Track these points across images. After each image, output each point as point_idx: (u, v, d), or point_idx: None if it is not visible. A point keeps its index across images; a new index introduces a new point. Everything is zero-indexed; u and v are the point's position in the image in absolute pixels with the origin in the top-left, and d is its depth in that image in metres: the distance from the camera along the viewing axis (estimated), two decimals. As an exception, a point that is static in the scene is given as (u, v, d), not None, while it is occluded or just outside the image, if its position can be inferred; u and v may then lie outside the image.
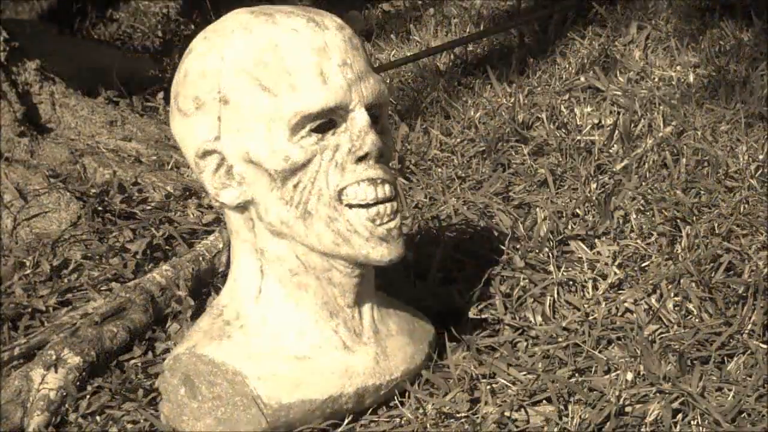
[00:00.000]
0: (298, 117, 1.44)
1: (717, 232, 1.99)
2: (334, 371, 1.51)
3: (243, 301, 1.54)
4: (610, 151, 2.41)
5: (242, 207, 1.50)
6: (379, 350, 1.56)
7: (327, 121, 1.46)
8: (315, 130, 1.45)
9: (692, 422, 1.53)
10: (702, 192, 2.18)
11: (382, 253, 1.49)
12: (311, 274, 1.52)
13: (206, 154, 1.49)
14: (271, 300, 1.53)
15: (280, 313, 1.52)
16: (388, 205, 1.49)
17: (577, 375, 1.66)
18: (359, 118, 1.47)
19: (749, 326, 1.71)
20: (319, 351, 1.52)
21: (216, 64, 1.47)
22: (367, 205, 1.48)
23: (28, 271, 1.91)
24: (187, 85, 1.50)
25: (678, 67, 2.87)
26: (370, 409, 1.58)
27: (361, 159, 1.47)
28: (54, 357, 1.63)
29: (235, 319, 1.54)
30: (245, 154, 1.47)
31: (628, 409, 1.56)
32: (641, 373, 1.63)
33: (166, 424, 1.55)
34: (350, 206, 1.47)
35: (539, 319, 1.79)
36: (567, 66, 2.93)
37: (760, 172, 2.24)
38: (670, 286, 1.82)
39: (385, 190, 1.49)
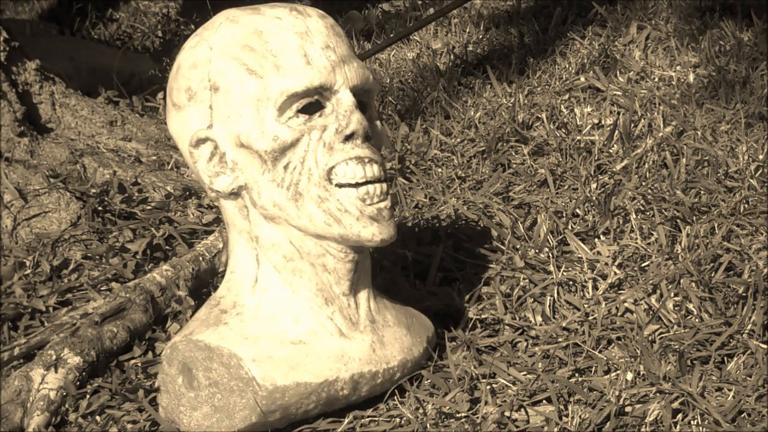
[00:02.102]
0: (284, 96, 1.49)
1: (717, 232, 1.99)
2: (330, 355, 1.52)
3: (240, 291, 1.56)
4: (610, 151, 2.41)
5: (236, 194, 1.54)
6: (376, 339, 1.57)
7: (314, 102, 1.50)
8: (302, 111, 1.50)
9: (692, 422, 1.53)
10: (702, 192, 2.18)
11: (373, 232, 1.52)
12: (305, 260, 1.54)
13: (199, 142, 1.53)
14: (267, 288, 1.55)
15: (276, 300, 1.54)
16: (378, 185, 1.53)
17: (577, 375, 1.66)
18: (345, 98, 1.51)
19: (749, 326, 1.71)
20: (314, 336, 1.53)
21: (205, 54, 1.53)
22: (356, 185, 1.51)
23: (28, 271, 1.91)
24: (179, 78, 1.55)
25: (678, 67, 2.87)
26: (371, 409, 1.58)
27: (348, 138, 1.51)
28: (54, 357, 1.63)
29: (232, 308, 1.56)
30: (236, 138, 1.51)
31: (628, 409, 1.56)
32: (641, 373, 1.63)
33: (165, 416, 1.55)
34: (340, 186, 1.51)
35: (539, 319, 1.79)
36: (567, 66, 2.93)
37: (760, 172, 2.24)
38: (670, 286, 1.82)
39: (374, 169, 1.53)
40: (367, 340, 1.56)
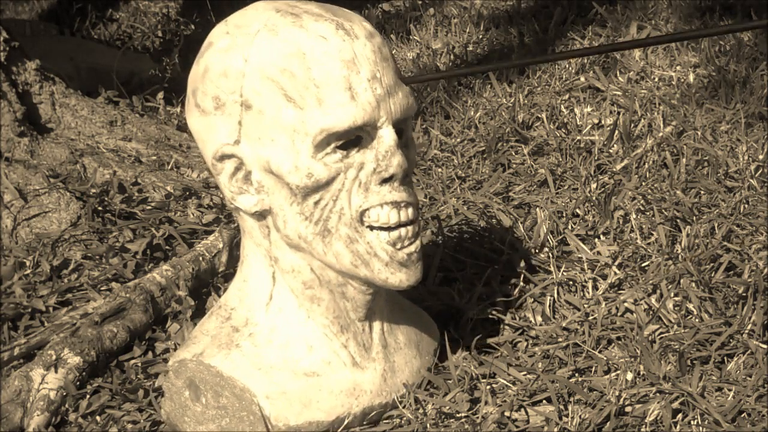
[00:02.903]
0: (324, 134, 1.39)
1: (717, 232, 1.99)
2: (343, 389, 1.50)
3: (253, 307, 1.52)
4: (610, 151, 2.41)
5: (259, 214, 1.47)
6: (387, 366, 1.55)
7: (353, 137, 1.41)
8: (340, 147, 1.41)
9: (692, 422, 1.53)
10: (702, 192, 2.18)
11: (401, 278, 1.46)
12: (325, 288, 1.49)
13: (224, 157, 1.45)
14: (282, 308, 1.51)
15: (290, 324, 1.50)
16: (410, 227, 1.46)
17: (577, 375, 1.66)
18: (386, 136, 1.42)
19: (749, 326, 1.71)
20: (328, 368, 1.50)
21: (238, 66, 1.42)
22: (388, 228, 1.44)
23: (28, 271, 1.91)
24: (207, 83, 1.45)
25: (678, 67, 2.87)
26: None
27: (385, 181, 1.43)
28: (54, 357, 1.63)
29: (244, 326, 1.51)
30: (265, 164, 1.43)
31: (628, 409, 1.56)
32: (641, 373, 1.63)
33: (166, 419, 1.55)
34: (371, 228, 1.44)
35: (539, 319, 1.79)
36: (567, 66, 2.93)
37: (760, 172, 2.24)
38: (670, 286, 1.82)
39: (408, 213, 1.45)
40: (379, 369, 1.54)
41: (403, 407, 1.55)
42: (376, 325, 1.55)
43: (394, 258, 1.45)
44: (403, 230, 1.45)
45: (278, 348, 1.49)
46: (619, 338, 1.73)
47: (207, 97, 1.45)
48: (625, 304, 1.80)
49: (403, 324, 1.60)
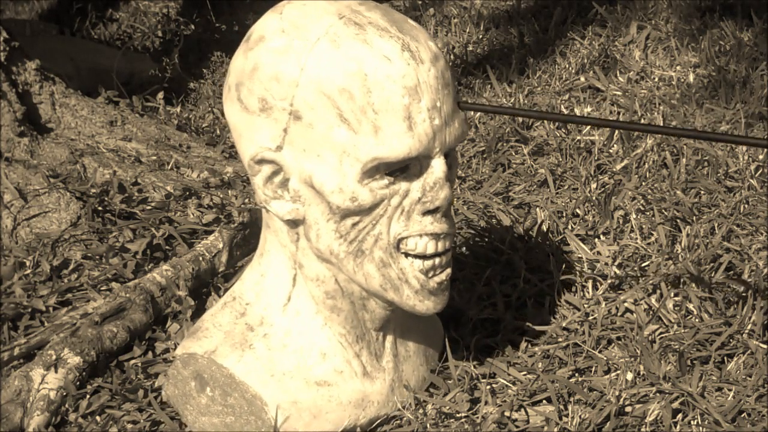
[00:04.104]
0: (375, 163, 1.34)
1: (717, 232, 1.99)
2: (352, 400, 1.49)
3: (269, 305, 1.49)
4: (610, 151, 2.41)
5: (292, 222, 1.43)
6: (396, 376, 1.54)
7: (403, 165, 1.37)
8: (388, 173, 1.37)
9: (692, 422, 1.53)
10: (702, 192, 2.18)
11: (428, 306, 1.44)
12: (347, 299, 1.47)
13: (263, 161, 1.40)
14: (300, 312, 1.48)
15: (306, 329, 1.48)
16: (444, 256, 1.44)
17: (577, 375, 1.66)
18: (436, 167, 1.38)
19: (749, 326, 1.71)
20: (339, 377, 1.49)
21: (293, 73, 1.35)
22: (424, 257, 1.41)
23: (28, 271, 1.91)
24: (255, 81, 1.39)
25: (678, 67, 2.87)
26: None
27: (429, 212, 1.39)
28: (54, 357, 1.63)
29: (259, 325, 1.49)
30: (307, 177, 1.38)
31: (628, 409, 1.56)
32: (641, 373, 1.63)
33: (166, 400, 1.55)
34: (406, 255, 1.41)
35: (539, 319, 1.79)
36: (567, 66, 2.92)
37: (760, 172, 2.24)
38: (670, 286, 1.82)
39: (445, 243, 1.43)
40: (388, 380, 1.53)
41: (403, 407, 1.55)
42: (390, 333, 1.54)
43: (425, 286, 1.43)
44: (437, 259, 1.43)
45: (292, 353, 1.48)
46: (619, 338, 1.73)
47: (253, 96, 1.39)
48: (625, 304, 1.80)
49: (414, 330, 1.59)
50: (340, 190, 1.36)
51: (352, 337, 1.50)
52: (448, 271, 1.46)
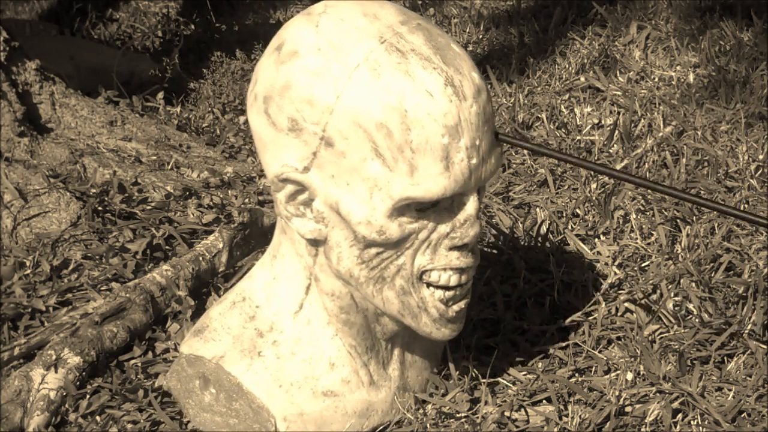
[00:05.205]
0: (408, 201, 1.31)
1: (717, 232, 1.99)
2: (357, 410, 1.49)
3: (280, 311, 1.47)
4: (610, 151, 2.41)
5: (313, 241, 1.38)
6: (401, 383, 1.54)
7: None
8: (418, 209, 1.33)
9: (692, 422, 1.53)
10: (702, 192, 2.18)
11: (444, 333, 1.43)
12: (361, 314, 1.45)
13: (287, 181, 1.35)
14: (311, 321, 1.46)
15: (316, 338, 1.46)
16: (465, 286, 1.42)
17: (577, 375, 1.66)
18: (469, 205, 1.35)
19: (749, 326, 1.71)
20: (346, 387, 1.48)
21: (329, 99, 1.29)
22: (446, 288, 1.39)
23: (28, 271, 1.91)
24: (286, 99, 1.32)
25: (678, 67, 2.87)
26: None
27: (457, 248, 1.37)
28: (54, 357, 1.63)
29: (269, 331, 1.47)
30: (334, 203, 1.33)
31: (628, 409, 1.56)
32: (641, 373, 1.63)
33: (167, 390, 1.56)
34: (428, 284, 1.39)
35: (539, 319, 1.79)
36: (567, 66, 2.93)
37: (760, 172, 2.24)
38: (670, 286, 1.82)
39: (468, 275, 1.41)
40: (393, 388, 1.52)
41: (403, 407, 1.55)
42: (398, 341, 1.53)
43: (444, 315, 1.42)
44: (458, 289, 1.41)
45: (301, 363, 1.46)
46: (619, 338, 1.73)
47: (282, 113, 1.33)
48: (625, 304, 1.80)
49: (420, 336, 1.58)
50: (368, 222, 1.32)
51: (362, 348, 1.48)
52: (467, 299, 1.44)
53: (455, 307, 1.42)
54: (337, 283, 1.42)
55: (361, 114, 1.28)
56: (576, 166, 1.63)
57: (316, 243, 1.39)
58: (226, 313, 1.52)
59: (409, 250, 1.35)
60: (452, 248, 1.36)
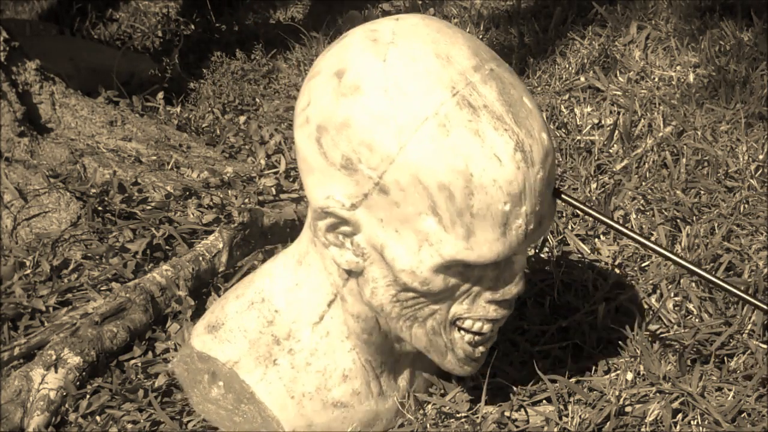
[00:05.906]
0: (459, 263, 1.28)
1: (717, 232, 1.99)
2: (363, 420, 1.49)
3: (299, 319, 1.44)
4: (610, 151, 2.41)
5: (348, 271, 1.35)
6: (409, 391, 1.54)
7: None
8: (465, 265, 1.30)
9: (692, 422, 1.53)
10: (702, 192, 2.18)
11: (466, 370, 1.44)
12: (382, 335, 1.43)
13: (332, 215, 1.30)
14: (330, 333, 1.44)
15: (333, 351, 1.45)
16: (494, 331, 1.41)
17: (577, 375, 1.66)
18: (517, 264, 1.33)
19: (749, 326, 1.71)
20: (356, 399, 1.47)
21: (391, 148, 1.23)
22: (477, 334, 1.38)
23: (28, 271, 1.91)
24: (343, 137, 1.26)
25: (678, 67, 2.87)
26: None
27: (497, 303, 1.35)
28: (54, 357, 1.63)
29: (286, 339, 1.44)
30: (378, 245, 1.29)
31: (628, 409, 1.56)
32: (641, 373, 1.63)
33: (172, 375, 1.57)
34: (459, 329, 1.38)
35: (539, 319, 1.79)
36: (567, 66, 2.93)
37: (760, 172, 2.24)
38: (670, 286, 1.82)
39: (500, 324, 1.40)
40: (399, 398, 1.52)
41: (403, 408, 1.55)
42: (410, 352, 1.51)
43: (470, 356, 1.41)
44: (488, 334, 1.40)
45: (315, 374, 1.45)
46: (619, 338, 1.73)
47: (337, 150, 1.26)
48: (625, 304, 1.80)
49: None
50: (413, 272, 1.28)
51: (378, 361, 1.48)
52: (493, 341, 1.44)
53: (481, 348, 1.42)
54: (364, 308, 1.40)
55: (423, 171, 1.23)
56: (638, 244, 1.59)
57: (349, 272, 1.36)
58: (243, 312, 1.49)
59: (446, 300, 1.33)
60: (492, 302, 1.35)
